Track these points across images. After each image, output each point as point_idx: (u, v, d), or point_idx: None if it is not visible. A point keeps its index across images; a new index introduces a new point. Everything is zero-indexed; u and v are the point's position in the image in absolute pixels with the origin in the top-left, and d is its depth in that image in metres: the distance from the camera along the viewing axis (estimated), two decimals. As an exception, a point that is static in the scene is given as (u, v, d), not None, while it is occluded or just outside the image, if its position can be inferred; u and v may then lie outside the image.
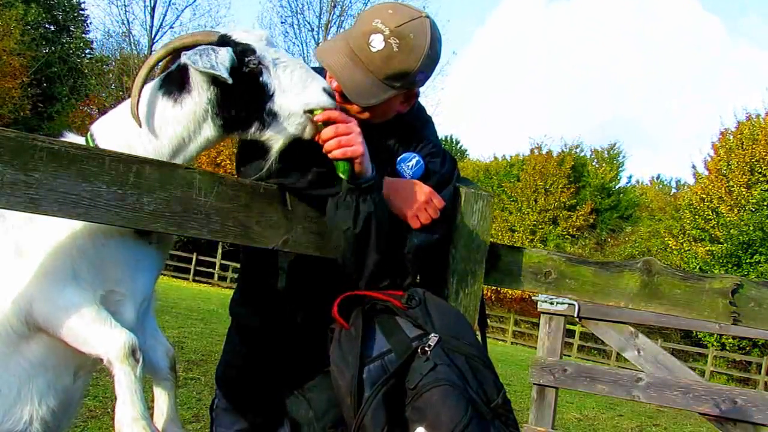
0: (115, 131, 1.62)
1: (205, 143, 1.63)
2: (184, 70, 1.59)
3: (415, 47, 1.62)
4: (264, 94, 1.56)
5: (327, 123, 1.57)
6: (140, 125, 1.56)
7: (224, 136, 1.63)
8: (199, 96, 1.58)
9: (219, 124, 1.59)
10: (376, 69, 1.63)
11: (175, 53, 1.60)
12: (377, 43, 1.62)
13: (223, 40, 1.58)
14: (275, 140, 1.60)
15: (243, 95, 1.56)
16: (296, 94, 1.56)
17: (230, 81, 1.50)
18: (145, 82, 1.58)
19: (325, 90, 1.57)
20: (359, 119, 1.68)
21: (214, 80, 1.55)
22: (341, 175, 1.58)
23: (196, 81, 1.57)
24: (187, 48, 1.55)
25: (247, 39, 1.59)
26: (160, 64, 1.65)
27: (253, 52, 1.57)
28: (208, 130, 1.60)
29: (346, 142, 1.56)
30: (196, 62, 1.49)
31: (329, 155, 1.57)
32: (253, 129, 1.59)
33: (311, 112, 1.56)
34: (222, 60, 1.51)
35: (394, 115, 1.76)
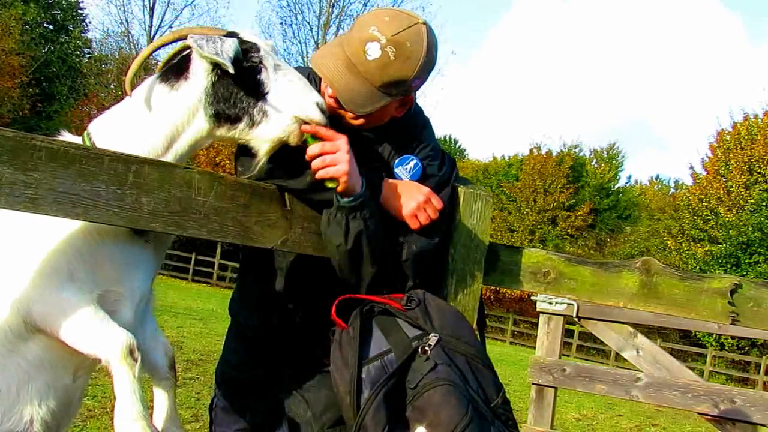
0: (112, 127, 1.63)
1: (196, 135, 1.62)
2: (185, 59, 1.61)
3: (412, 55, 1.61)
4: (259, 92, 1.58)
5: (315, 137, 1.57)
6: (129, 94, 1.60)
7: (214, 130, 1.62)
8: (197, 83, 1.59)
9: (210, 114, 1.59)
10: (372, 77, 1.62)
11: (183, 47, 1.62)
12: (374, 51, 1.60)
13: (231, 35, 1.60)
14: (261, 141, 1.60)
15: (239, 88, 1.57)
16: (289, 100, 1.57)
17: (232, 70, 1.52)
18: (145, 59, 1.61)
19: (318, 105, 1.58)
20: (354, 126, 1.69)
21: (213, 69, 1.57)
22: (329, 185, 1.59)
23: (195, 68, 1.59)
24: None
25: (255, 40, 1.61)
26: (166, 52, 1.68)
27: (258, 50, 1.59)
28: (200, 120, 1.61)
29: (330, 161, 1.56)
30: (202, 47, 1.51)
31: (315, 174, 1.58)
32: (242, 125, 1.59)
33: (301, 120, 1.57)
34: (227, 49, 1.53)
35: (390, 119, 1.75)
